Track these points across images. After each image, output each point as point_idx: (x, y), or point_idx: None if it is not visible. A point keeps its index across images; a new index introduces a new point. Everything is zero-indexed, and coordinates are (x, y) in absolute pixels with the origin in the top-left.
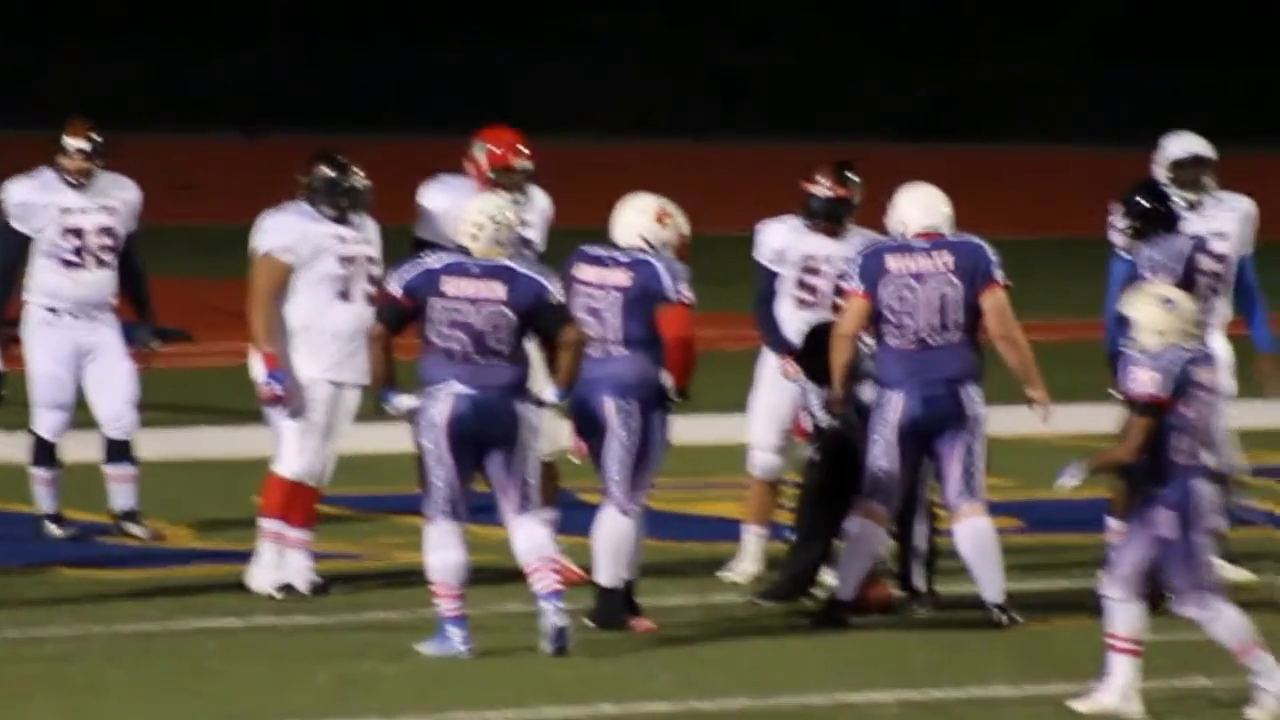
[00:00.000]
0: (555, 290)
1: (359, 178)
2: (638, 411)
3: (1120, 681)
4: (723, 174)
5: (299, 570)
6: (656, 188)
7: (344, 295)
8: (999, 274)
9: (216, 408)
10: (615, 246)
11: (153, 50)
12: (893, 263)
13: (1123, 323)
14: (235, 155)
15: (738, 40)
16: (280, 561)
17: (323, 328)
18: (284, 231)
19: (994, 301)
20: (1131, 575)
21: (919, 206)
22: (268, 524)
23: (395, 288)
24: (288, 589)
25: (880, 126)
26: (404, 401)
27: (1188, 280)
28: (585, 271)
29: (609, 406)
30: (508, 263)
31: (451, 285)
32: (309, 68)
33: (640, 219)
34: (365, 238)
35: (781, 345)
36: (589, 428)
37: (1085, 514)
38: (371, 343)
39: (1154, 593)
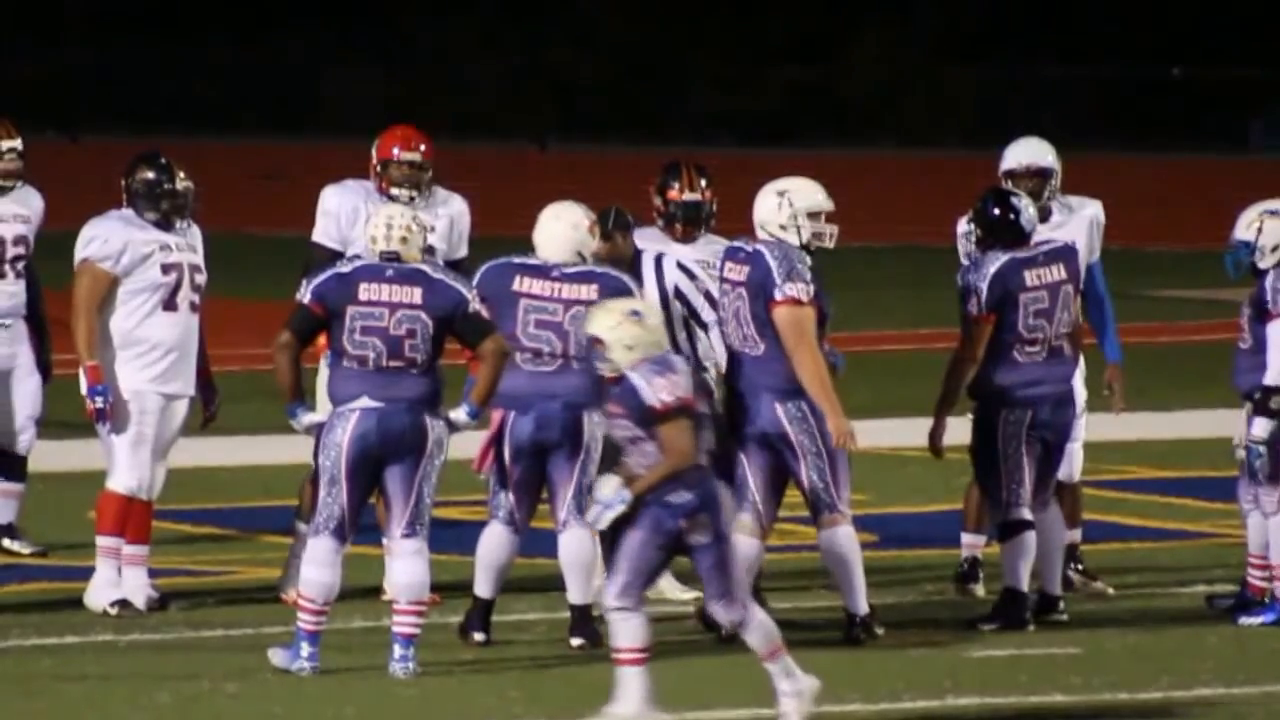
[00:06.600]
0: (474, 298)
1: (182, 180)
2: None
3: (634, 695)
4: (563, 179)
5: (136, 587)
6: (499, 191)
7: (168, 305)
8: (785, 290)
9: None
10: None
11: None
12: (725, 270)
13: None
14: (57, 156)
15: (576, 44)
16: (118, 578)
17: (147, 339)
18: (106, 239)
19: (780, 317)
20: (636, 582)
21: (762, 207)
22: (104, 540)
23: (304, 294)
24: (123, 605)
25: (722, 130)
26: (311, 418)
27: (998, 299)
28: (529, 284)
29: (584, 421)
30: (423, 268)
31: (366, 290)
32: (135, 68)
33: (575, 234)
34: (190, 244)
35: None
36: (537, 443)
37: (940, 529)
38: (279, 352)
39: (1043, 600)
